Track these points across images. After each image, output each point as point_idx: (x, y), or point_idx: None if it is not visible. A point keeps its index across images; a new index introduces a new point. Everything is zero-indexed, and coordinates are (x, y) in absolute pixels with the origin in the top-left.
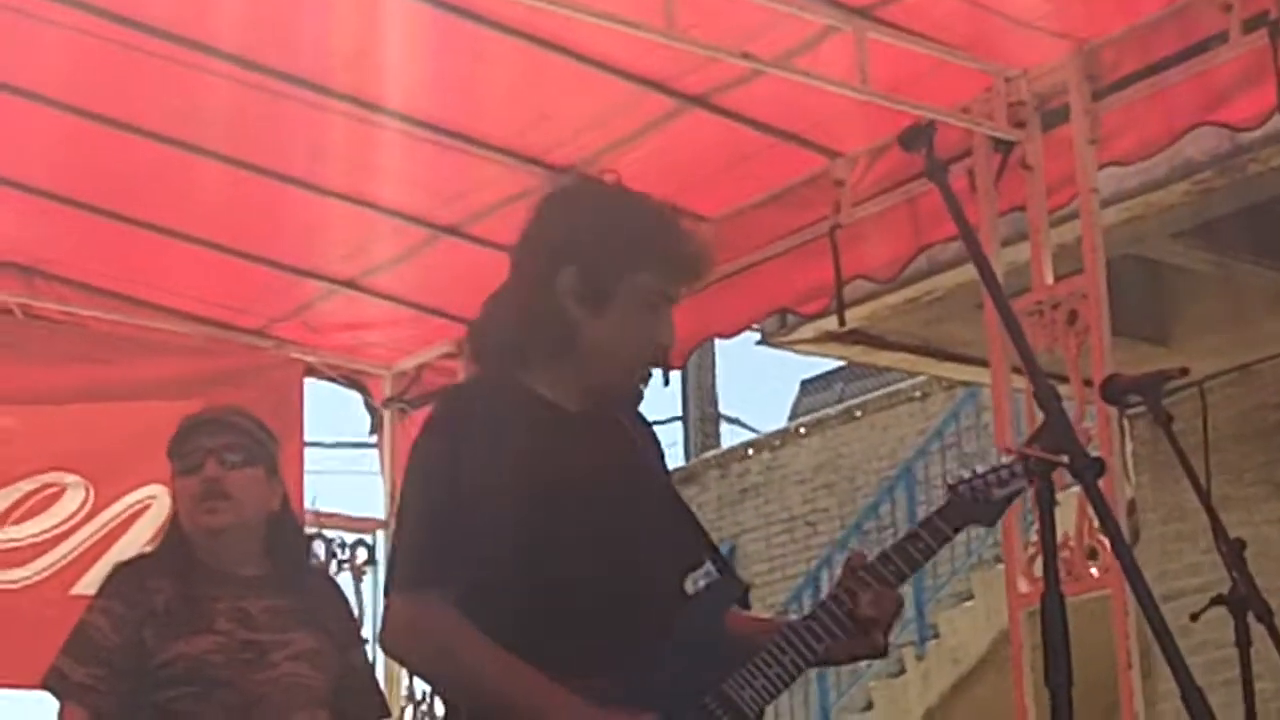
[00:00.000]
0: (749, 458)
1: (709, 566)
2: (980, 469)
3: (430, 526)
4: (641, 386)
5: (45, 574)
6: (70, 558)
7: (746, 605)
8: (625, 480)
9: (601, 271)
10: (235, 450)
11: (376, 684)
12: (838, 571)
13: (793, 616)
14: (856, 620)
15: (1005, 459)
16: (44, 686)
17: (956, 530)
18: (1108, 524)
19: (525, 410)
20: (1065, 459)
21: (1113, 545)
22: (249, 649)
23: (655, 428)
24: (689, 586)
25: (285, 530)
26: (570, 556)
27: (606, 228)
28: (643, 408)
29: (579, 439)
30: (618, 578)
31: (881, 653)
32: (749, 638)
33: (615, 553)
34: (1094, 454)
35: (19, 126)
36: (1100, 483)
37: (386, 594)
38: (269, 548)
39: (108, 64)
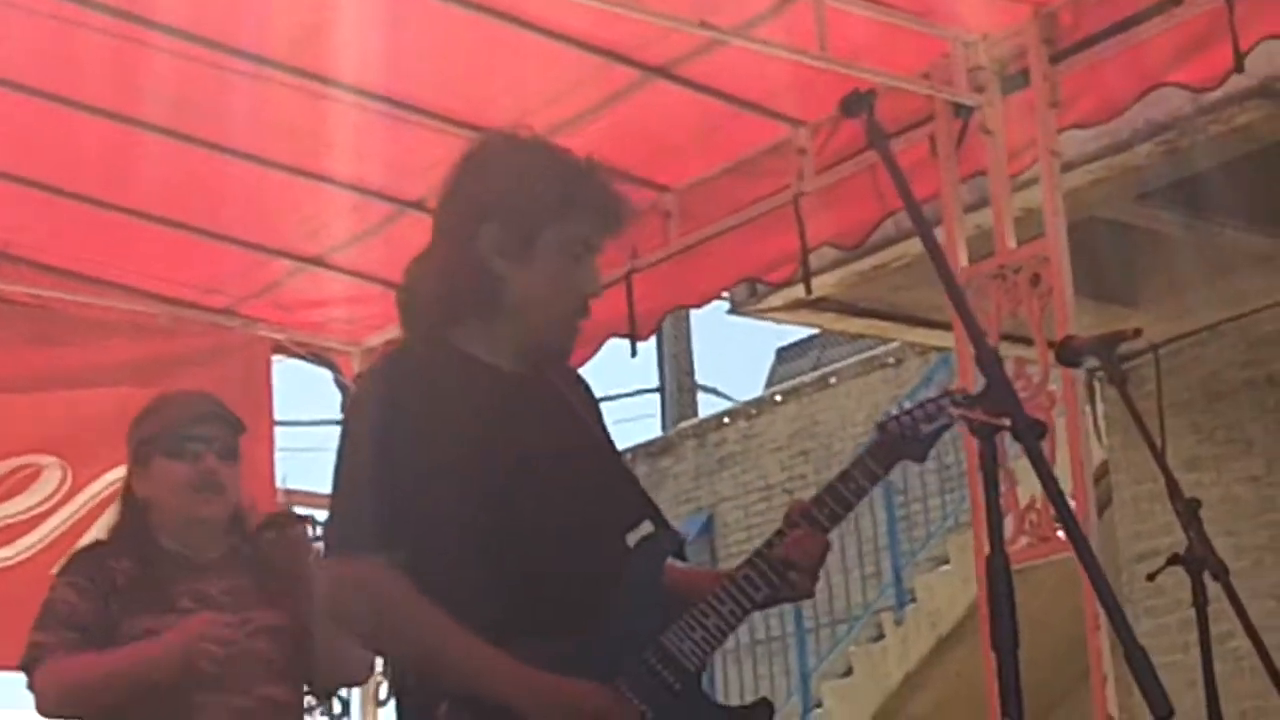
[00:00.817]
0: (726, 426)
1: (648, 524)
2: (907, 405)
3: (368, 490)
4: (571, 342)
5: (27, 554)
6: (52, 538)
7: (683, 557)
8: (563, 440)
9: (522, 223)
10: (228, 443)
11: (347, 651)
12: None
13: None
14: (781, 561)
15: (933, 394)
16: (20, 667)
17: (888, 468)
18: (1048, 486)
19: (458, 372)
20: (1009, 423)
21: (1055, 508)
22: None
23: (626, 399)
24: (630, 543)
25: (244, 514)
26: (510, 518)
27: (524, 179)
28: (601, 375)
29: (514, 399)
30: (559, 537)
31: (805, 594)
32: (688, 589)
33: (556, 513)
34: (1039, 418)
35: None
36: (1066, 443)
37: (325, 557)
38: (228, 530)
39: (64, 43)
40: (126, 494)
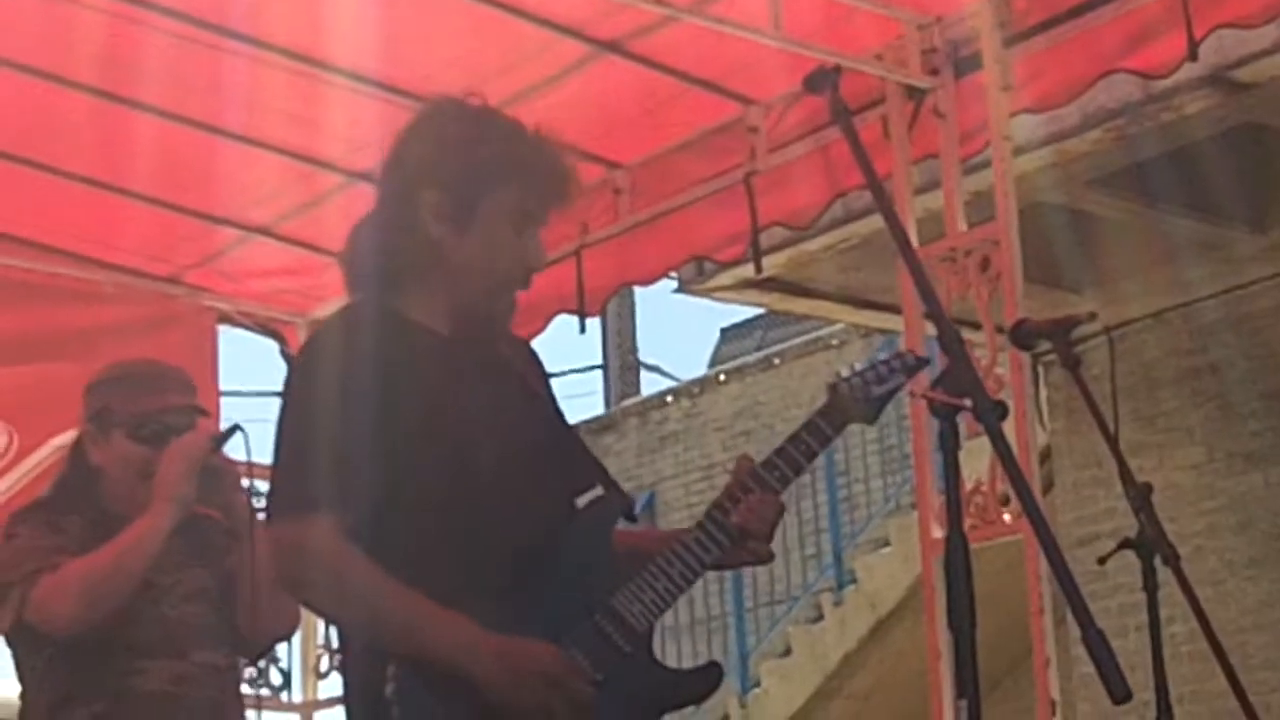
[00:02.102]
0: (668, 405)
1: (599, 489)
2: (859, 366)
3: (314, 453)
4: (509, 309)
5: None
6: (3, 499)
7: (633, 520)
8: (507, 404)
9: (464, 189)
10: (189, 429)
11: (277, 603)
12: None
13: None
14: (738, 529)
15: (898, 354)
16: (14, 617)
17: (838, 429)
18: (1010, 468)
19: (397, 336)
20: (968, 402)
21: (1016, 490)
22: (149, 590)
23: (572, 375)
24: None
25: None
26: (456, 479)
27: (468, 145)
28: (550, 350)
29: (456, 363)
30: (507, 499)
31: (765, 560)
32: (637, 551)
33: (503, 475)
34: (1001, 399)
35: None
36: (1012, 426)
37: (270, 521)
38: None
39: (36, 15)
40: (78, 455)
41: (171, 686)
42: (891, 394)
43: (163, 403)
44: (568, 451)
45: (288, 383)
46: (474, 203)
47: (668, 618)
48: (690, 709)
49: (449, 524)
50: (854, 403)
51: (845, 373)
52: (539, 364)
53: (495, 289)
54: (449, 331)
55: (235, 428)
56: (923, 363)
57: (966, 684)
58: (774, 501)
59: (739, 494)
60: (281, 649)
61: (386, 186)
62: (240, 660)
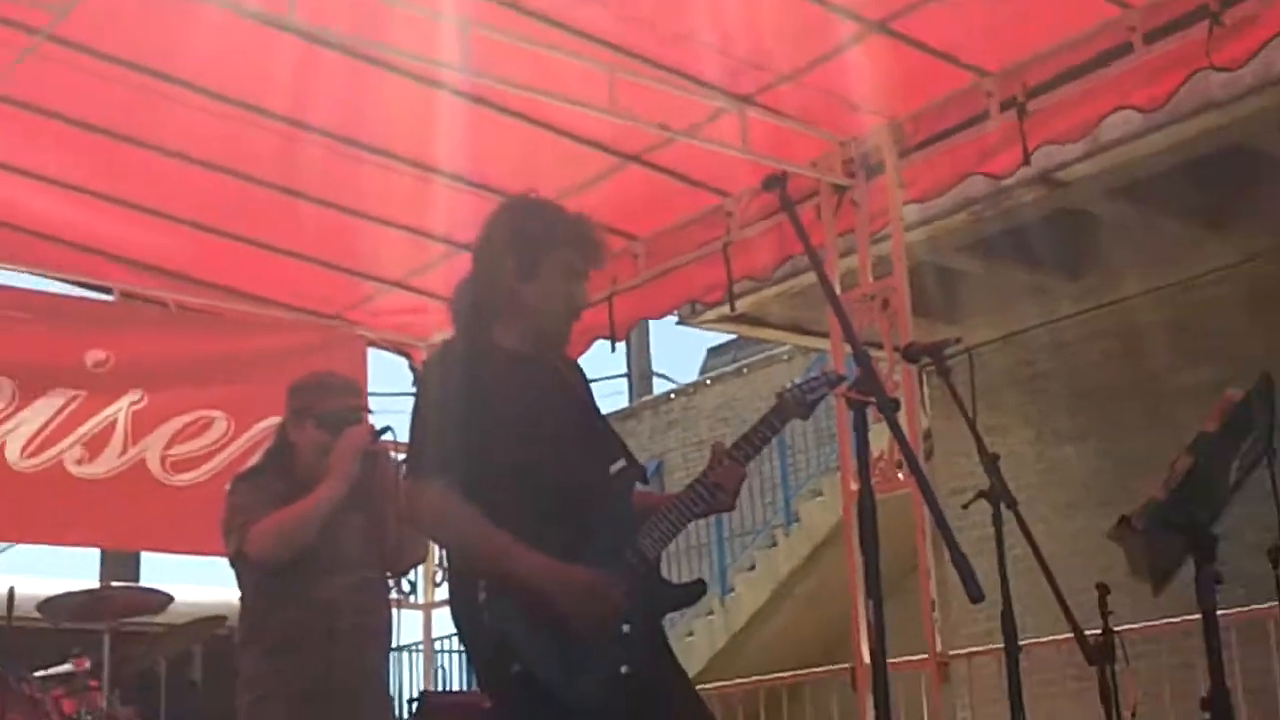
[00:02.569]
0: (671, 401)
1: (623, 460)
2: (798, 381)
3: (433, 436)
4: (565, 337)
5: (206, 477)
6: (221, 466)
7: (645, 482)
8: (564, 402)
9: (531, 253)
10: (357, 419)
11: (413, 541)
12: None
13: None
14: (715, 488)
15: (815, 373)
16: (234, 550)
17: (783, 424)
18: (902, 443)
19: (488, 357)
20: (874, 399)
21: (908, 459)
22: (325, 531)
23: (607, 380)
24: (612, 472)
25: None
26: (529, 453)
27: (533, 224)
28: (591, 363)
29: (526, 376)
30: (563, 467)
31: (729, 509)
32: (649, 506)
33: (561, 450)
34: (895, 397)
35: (166, 177)
36: (904, 415)
37: (405, 480)
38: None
39: (227, 135)
40: (280, 436)
41: (339, 595)
42: (819, 400)
43: (341, 403)
44: (603, 436)
45: (417, 388)
46: (538, 262)
47: (671, 546)
48: (687, 609)
49: (525, 484)
50: (794, 406)
51: (788, 385)
52: (583, 375)
53: (556, 321)
54: (524, 353)
55: (387, 428)
56: (841, 379)
57: (874, 588)
58: (740, 470)
59: (716, 465)
60: None
61: (480, 254)
62: (386, 575)
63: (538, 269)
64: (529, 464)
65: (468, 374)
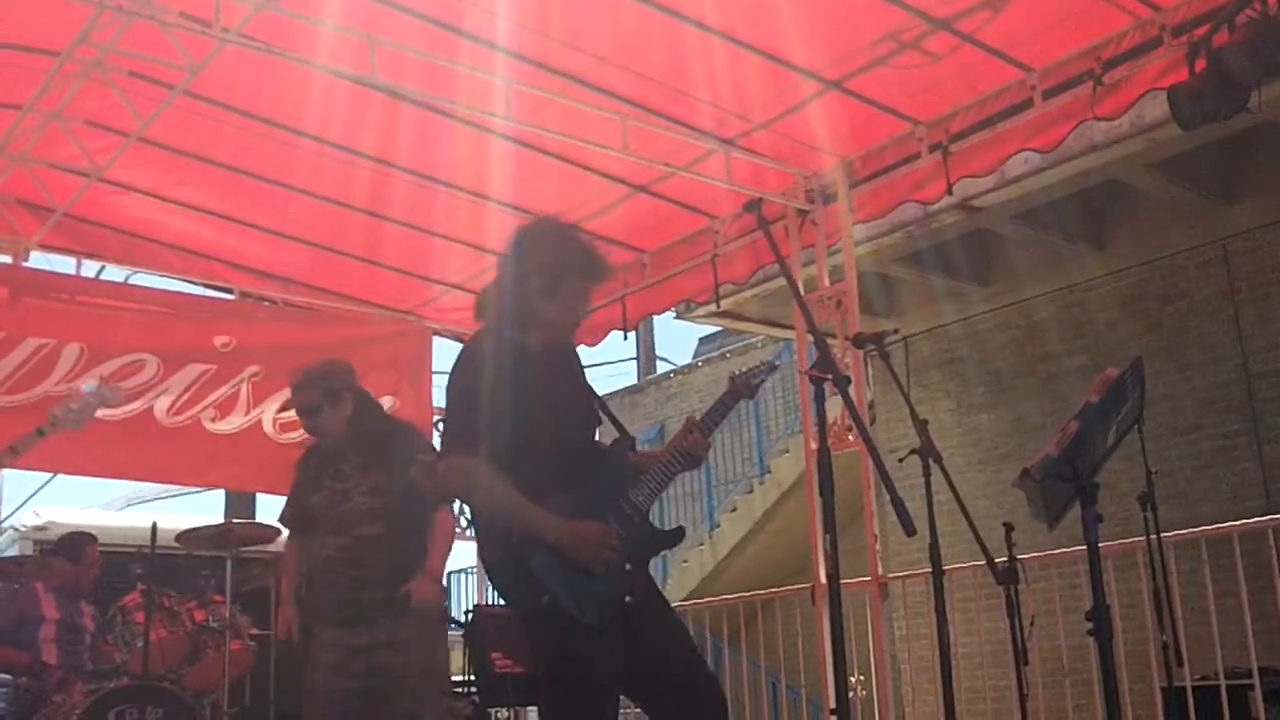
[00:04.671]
0: (671, 379)
1: (603, 422)
2: (746, 368)
3: (465, 412)
4: (571, 339)
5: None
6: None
7: (635, 450)
8: (569, 385)
9: (553, 279)
10: (333, 398)
11: (419, 501)
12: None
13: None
14: (688, 453)
15: (765, 363)
16: (280, 518)
17: (736, 400)
18: (852, 411)
19: (511, 349)
20: (830, 376)
21: (857, 424)
22: (338, 495)
23: (621, 363)
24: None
25: (360, 429)
26: (541, 427)
27: (558, 254)
28: (607, 349)
29: (542, 364)
30: (569, 437)
31: (698, 466)
32: (640, 465)
33: (566, 425)
34: (847, 375)
35: (277, 203)
36: (853, 390)
37: (441, 450)
38: (351, 439)
39: (332, 171)
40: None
41: (334, 553)
42: (761, 383)
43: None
44: (592, 407)
45: (450, 371)
46: (558, 286)
47: (669, 492)
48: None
49: (540, 454)
50: (742, 388)
51: (737, 372)
52: (579, 360)
53: (564, 333)
54: (538, 349)
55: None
56: (774, 368)
57: (829, 524)
58: (704, 440)
59: (687, 435)
60: None
61: (508, 267)
62: (395, 533)
63: (557, 292)
64: (543, 437)
65: (494, 367)
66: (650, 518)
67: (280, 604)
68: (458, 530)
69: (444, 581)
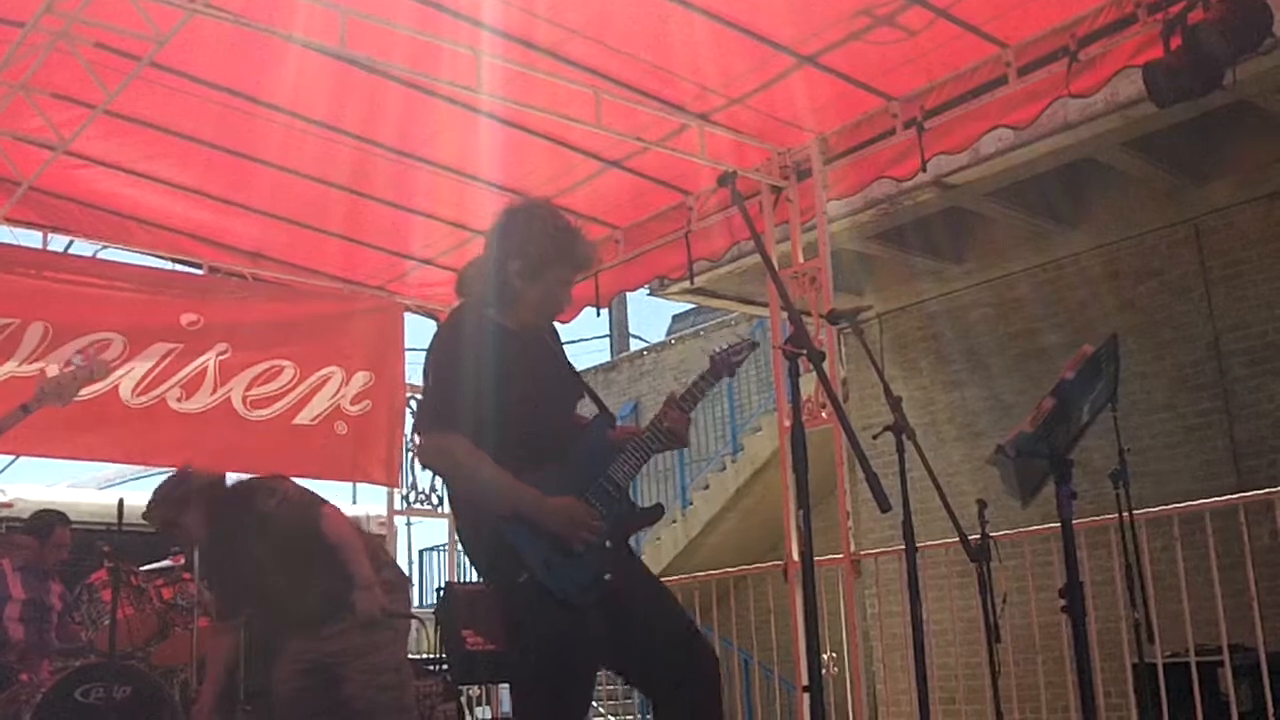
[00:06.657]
0: (644, 356)
1: (586, 400)
2: (725, 345)
3: (444, 391)
4: (550, 322)
5: (277, 413)
6: (289, 405)
7: (614, 426)
8: (547, 364)
9: (535, 264)
10: None
11: (298, 540)
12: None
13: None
14: (669, 432)
15: (745, 340)
16: None
17: (717, 379)
18: (826, 387)
19: (489, 329)
20: (804, 352)
21: (831, 399)
22: (231, 580)
23: (594, 340)
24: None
25: None
26: (521, 405)
27: (540, 238)
28: (580, 326)
29: (519, 346)
30: (548, 415)
31: (681, 445)
32: (620, 443)
33: (545, 403)
34: (821, 351)
35: (248, 177)
36: (827, 366)
37: (417, 431)
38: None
39: (301, 144)
40: None
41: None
42: (741, 361)
43: None
44: (574, 384)
45: (429, 349)
46: (541, 271)
47: (644, 470)
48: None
49: (520, 432)
50: (723, 366)
51: (716, 350)
52: (559, 338)
53: (543, 317)
54: (516, 329)
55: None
56: (754, 345)
57: (803, 501)
58: (685, 417)
59: (668, 413)
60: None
61: (492, 247)
62: None
63: (540, 277)
64: (522, 415)
65: (473, 345)
66: (629, 494)
67: (204, 682)
68: (355, 518)
69: (372, 580)
